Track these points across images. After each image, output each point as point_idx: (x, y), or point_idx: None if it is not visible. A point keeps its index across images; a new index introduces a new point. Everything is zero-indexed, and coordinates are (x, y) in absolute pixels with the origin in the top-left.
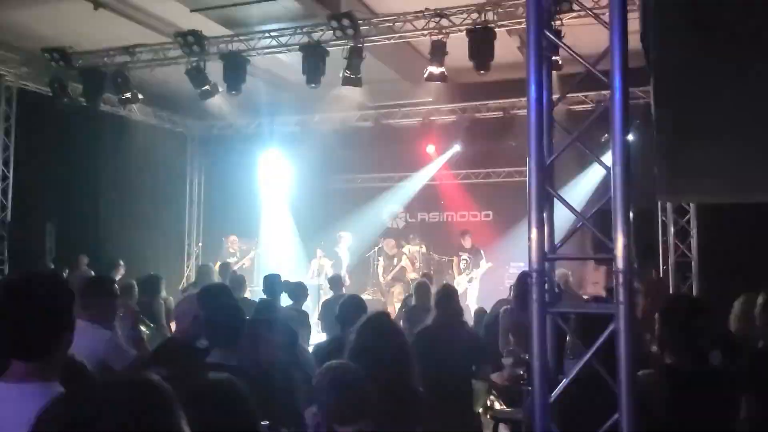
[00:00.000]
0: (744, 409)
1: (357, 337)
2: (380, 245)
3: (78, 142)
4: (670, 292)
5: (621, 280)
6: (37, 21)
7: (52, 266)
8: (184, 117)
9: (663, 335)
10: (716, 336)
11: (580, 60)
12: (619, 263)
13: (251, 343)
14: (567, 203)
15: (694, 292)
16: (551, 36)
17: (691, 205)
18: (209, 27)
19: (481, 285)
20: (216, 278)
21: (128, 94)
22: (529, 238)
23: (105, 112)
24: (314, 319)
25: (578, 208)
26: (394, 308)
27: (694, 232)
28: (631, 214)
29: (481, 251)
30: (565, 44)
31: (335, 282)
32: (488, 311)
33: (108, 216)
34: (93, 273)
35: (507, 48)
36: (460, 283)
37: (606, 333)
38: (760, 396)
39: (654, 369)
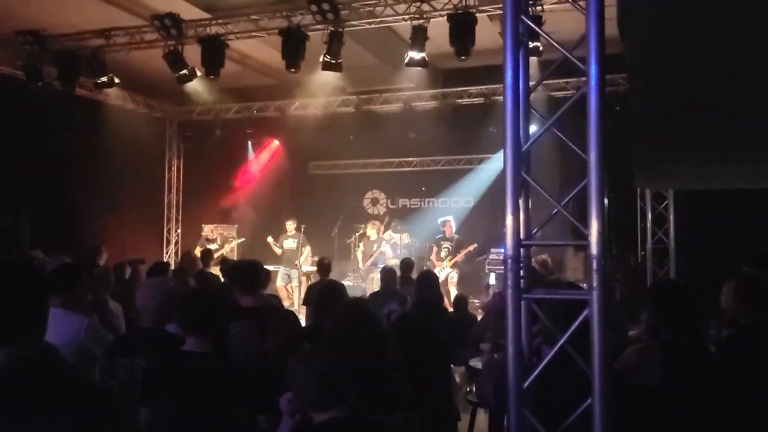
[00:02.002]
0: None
1: (334, 323)
2: (361, 231)
3: (53, 127)
4: (647, 276)
5: (595, 266)
6: (10, 3)
7: (39, 253)
8: (162, 102)
9: (658, 317)
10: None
11: (557, 46)
12: (594, 249)
13: (260, 329)
14: (543, 190)
15: (671, 277)
16: (528, 22)
17: (669, 191)
18: (186, 10)
19: (461, 270)
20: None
21: (104, 78)
22: (505, 225)
23: (81, 96)
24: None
25: (556, 196)
26: None
27: (671, 218)
28: (606, 201)
29: (461, 248)
30: (542, 30)
31: (323, 267)
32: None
33: (85, 203)
34: (68, 260)
35: (488, 33)
36: (442, 270)
37: (580, 319)
38: (729, 379)
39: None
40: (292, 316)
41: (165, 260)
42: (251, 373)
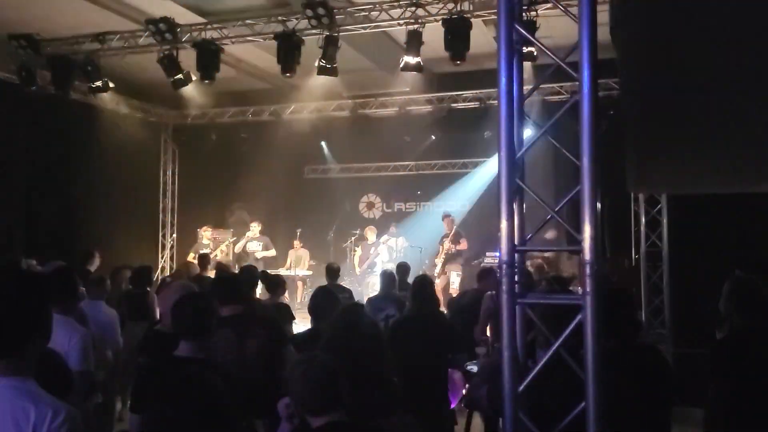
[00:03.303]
0: (710, 394)
1: (331, 329)
2: (357, 235)
3: (47, 132)
4: (641, 280)
5: (588, 271)
6: (2, 6)
7: (33, 262)
8: (156, 106)
9: None
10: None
11: (549, 53)
12: (587, 254)
13: (238, 337)
14: (537, 196)
15: (664, 281)
16: (521, 30)
17: (662, 195)
18: (181, 14)
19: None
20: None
21: (99, 83)
22: (500, 230)
23: (75, 100)
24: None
25: (553, 201)
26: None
27: (664, 222)
28: (600, 205)
29: (462, 238)
30: (535, 37)
31: (332, 272)
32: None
33: (80, 207)
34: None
35: (483, 38)
36: (437, 266)
37: (573, 323)
38: (722, 382)
39: None
40: (272, 324)
41: (161, 265)
42: (234, 379)
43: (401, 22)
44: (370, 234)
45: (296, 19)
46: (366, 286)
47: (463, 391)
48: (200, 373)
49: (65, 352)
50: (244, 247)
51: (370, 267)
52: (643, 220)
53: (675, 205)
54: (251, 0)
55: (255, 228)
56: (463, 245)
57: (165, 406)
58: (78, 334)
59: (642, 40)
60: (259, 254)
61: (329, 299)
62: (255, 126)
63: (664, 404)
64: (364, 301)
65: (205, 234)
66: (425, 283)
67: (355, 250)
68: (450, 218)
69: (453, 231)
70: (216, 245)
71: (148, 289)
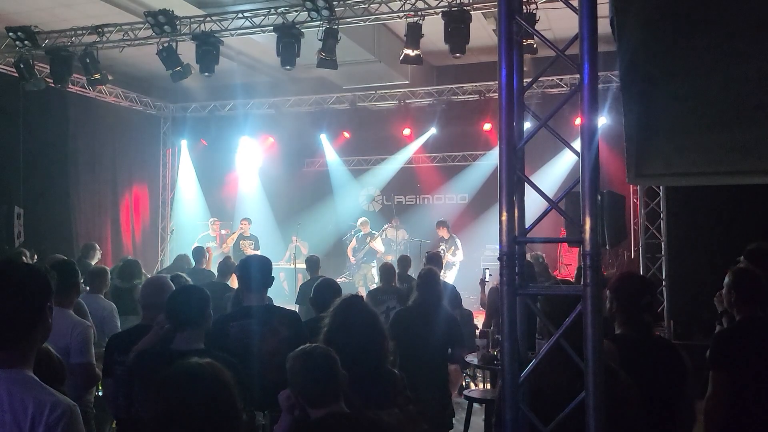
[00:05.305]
0: (710, 386)
1: (331, 320)
2: (356, 228)
3: (46, 124)
4: (641, 272)
5: (588, 262)
6: None
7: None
8: (156, 99)
9: (613, 308)
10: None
11: (549, 45)
12: (587, 246)
13: (259, 330)
14: (537, 188)
15: (663, 272)
16: (523, 22)
17: (660, 187)
18: (181, 7)
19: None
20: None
21: (97, 75)
22: (500, 222)
23: (74, 93)
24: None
25: (551, 192)
26: (362, 291)
27: (663, 214)
28: (599, 197)
29: (457, 241)
30: (536, 29)
31: (312, 265)
32: None
33: (79, 200)
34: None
35: (483, 31)
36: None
37: (573, 314)
38: (721, 374)
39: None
40: (294, 318)
41: (160, 258)
42: (249, 372)
43: (401, 14)
44: (363, 226)
45: (296, 11)
46: (361, 278)
47: (462, 383)
48: (210, 363)
49: (66, 345)
50: (238, 242)
51: (366, 256)
52: (642, 212)
53: (674, 197)
54: None
55: (245, 227)
56: (459, 256)
57: (159, 399)
58: (79, 326)
59: (642, 31)
60: (250, 251)
61: (331, 291)
62: (255, 119)
63: (679, 397)
64: (356, 291)
65: (213, 227)
66: (430, 275)
67: (351, 243)
68: (445, 226)
69: (449, 238)
70: (223, 239)
71: (136, 283)
